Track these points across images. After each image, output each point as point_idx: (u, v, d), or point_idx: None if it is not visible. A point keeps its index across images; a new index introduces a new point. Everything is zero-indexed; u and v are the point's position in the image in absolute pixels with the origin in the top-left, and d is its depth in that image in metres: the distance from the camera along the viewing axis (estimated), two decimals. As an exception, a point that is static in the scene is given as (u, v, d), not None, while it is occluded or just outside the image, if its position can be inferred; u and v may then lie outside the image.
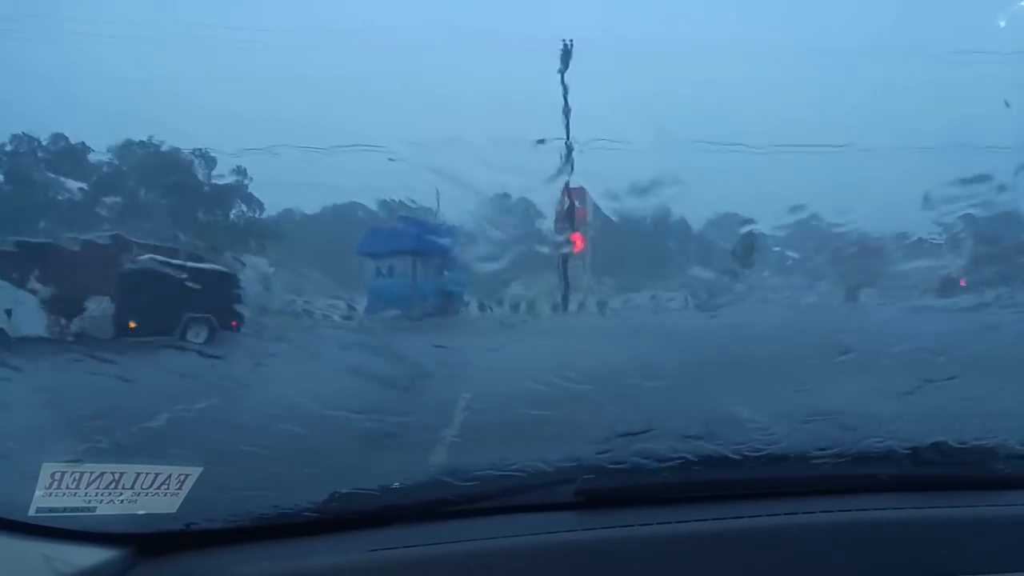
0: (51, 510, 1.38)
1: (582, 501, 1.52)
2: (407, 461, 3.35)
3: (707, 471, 1.61)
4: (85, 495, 1.39)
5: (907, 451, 1.64)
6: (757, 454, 1.69)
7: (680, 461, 1.63)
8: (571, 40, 23.45)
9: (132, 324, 13.34)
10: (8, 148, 27.75)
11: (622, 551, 1.38)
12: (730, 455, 1.66)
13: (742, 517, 1.45)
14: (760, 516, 1.46)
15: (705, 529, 1.43)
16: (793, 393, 6.05)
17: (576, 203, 24.03)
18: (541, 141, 21.07)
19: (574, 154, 21.83)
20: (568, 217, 23.33)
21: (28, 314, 13.09)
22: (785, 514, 1.47)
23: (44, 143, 28.78)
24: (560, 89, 23.57)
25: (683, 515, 1.47)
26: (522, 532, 1.42)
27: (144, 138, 28.98)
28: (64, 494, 1.39)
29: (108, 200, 29.74)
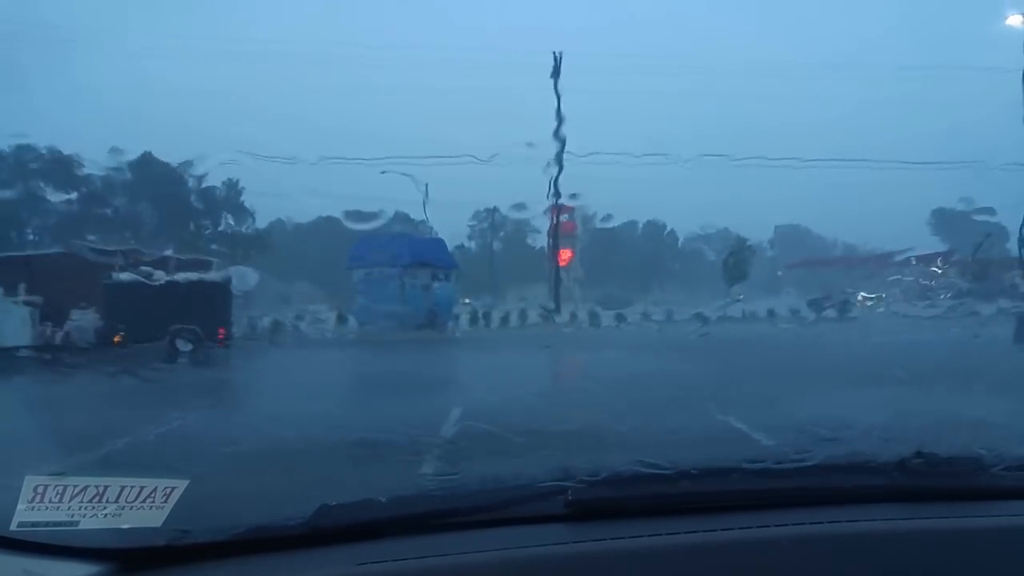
0: (33, 524, 1.36)
1: (573, 513, 1.51)
2: (397, 473, 3.33)
3: (697, 482, 1.61)
4: (68, 509, 1.37)
5: (895, 462, 1.65)
6: (747, 465, 1.69)
7: (671, 472, 1.63)
8: (561, 54, 23.69)
9: (118, 335, 13.23)
10: (3, 158, 27.61)
11: (613, 563, 1.38)
12: (720, 466, 1.66)
13: (732, 529, 1.45)
14: (750, 528, 1.46)
15: (696, 541, 1.43)
16: (783, 405, 6.08)
17: (566, 217, 24.17)
18: (530, 144, 21.18)
19: (566, 168, 21.99)
20: (558, 231, 23.45)
21: (13, 325, 12.95)
22: (776, 525, 1.47)
23: (38, 154, 28.63)
24: (553, 103, 23.76)
25: (674, 527, 1.47)
26: (513, 545, 1.42)
27: (135, 149, 28.93)
28: (47, 508, 1.36)
29: (97, 211, 29.62)
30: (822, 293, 18.76)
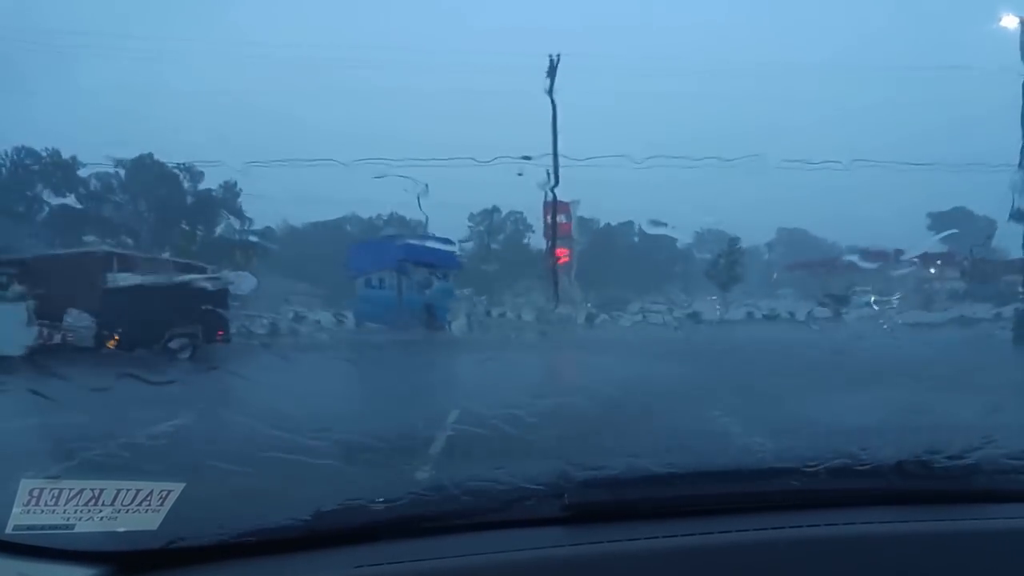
0: (29, 528, 1.35)
1: (571, 516, 1.51)
2: (394, 476, 3.32)
3: (695, 485, 1.61)
4: (64, 512, 1.37)
5: (893, 465, 1.65)
6: (745, 468, 1.69)
7: (669, 475, 1.63)
8: (558, 56, 23.71)
9: (115, 338, 13.21)
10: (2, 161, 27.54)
11: (611, 566, 1.37)
12: (718, 469, 1.66)
13: (730, 531, 1.45)
14: (748, 530, 1.46)
15: (693, 543, 1.43)
16: (780, 407, 6.09)
17: (563, 217, 24.18)
18: (527, 158, 21.29)
19: (565, 170, 21.98)
20: (555, 231, 23.47)
21: (9, 327, 12.92)
22: (773, 528, 1.47)
23: (37, 156, 28.59)
24: (549, 106, 23.79)
25: (672, 529, 1.47)
26: (510, 548, 1.41)
27: (134, 152, 28.93)
28: (43, 511, 1.36)
29: (96, 213, 29.61)
30: (821, 295, 18.73)
